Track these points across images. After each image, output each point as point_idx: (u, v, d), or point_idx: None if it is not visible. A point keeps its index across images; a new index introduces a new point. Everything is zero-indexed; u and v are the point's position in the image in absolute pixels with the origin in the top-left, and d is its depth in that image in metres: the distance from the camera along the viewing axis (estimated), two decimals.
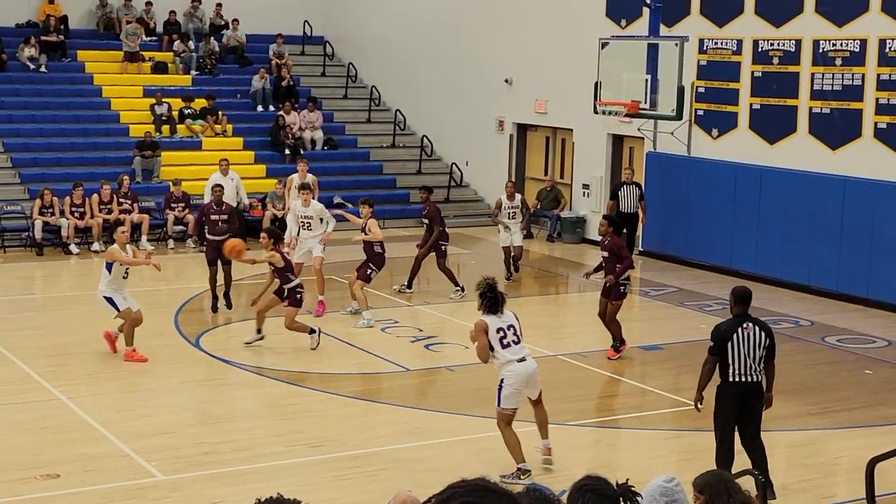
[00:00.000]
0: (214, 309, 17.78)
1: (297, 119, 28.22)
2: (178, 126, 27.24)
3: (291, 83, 29.63)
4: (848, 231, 19.33)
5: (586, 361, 15.44)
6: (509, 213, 20.29)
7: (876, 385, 14.68)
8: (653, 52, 18.63)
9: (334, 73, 31.79)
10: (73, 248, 22.38)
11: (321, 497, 10.54)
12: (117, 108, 27.59)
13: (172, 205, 23.61)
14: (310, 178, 22.37)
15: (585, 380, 14.89)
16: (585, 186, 24.89)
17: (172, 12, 30.48)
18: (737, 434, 10.32)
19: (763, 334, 10.11)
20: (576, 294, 21.28)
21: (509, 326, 10.94)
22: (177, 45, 29.78)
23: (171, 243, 23.34)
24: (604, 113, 19.99)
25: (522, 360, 10.90)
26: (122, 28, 29.77)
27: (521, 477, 10.64)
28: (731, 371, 10.06)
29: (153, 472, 10.91)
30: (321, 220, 18.22)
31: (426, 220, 19.38)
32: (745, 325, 10.07)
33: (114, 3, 30.22)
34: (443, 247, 19.18)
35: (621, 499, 4.70)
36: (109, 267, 14.88)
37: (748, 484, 8.60)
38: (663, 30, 20.27)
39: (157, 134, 26.62)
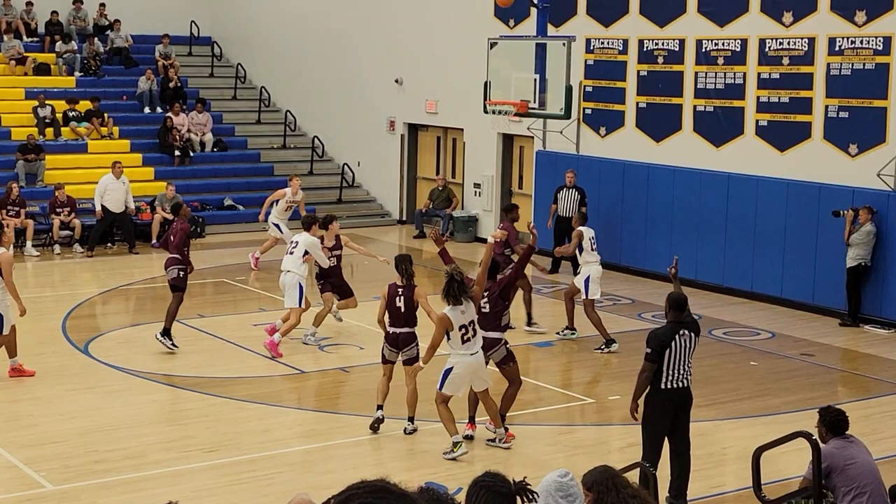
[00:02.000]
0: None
1: (185, 121, 27.89)
2: (63, 129, 26.72)
3: (179, 84, 29.28)
4: (732, 226, 19.78)
5: None
6: (591, 245, 16.45)
7: (761, 376, 15.05)
8: (541, 51, 18.80)
9: (223, 73, 31.50)
10: None
11: (217, 503, 10.46)
12: None
13: (58, 209, 23.15)
14: (300, 195, 21.62)
15: None
16: (477, 186, 25.04)
17: (55, 12, 29.89)
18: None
19: (695, 340, 10.09)
20: None
21: (470, 322, 11.47)
22: (59, 46, 29.21)
23: (57, 248, 22.89)
24: (494, 112, 20.11)
25: (474, 353, 11.53)
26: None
27: (455, 449, 11.41)
28: (664, 378, 9.91)
29: (42, 483, 10.70)
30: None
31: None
32: (681, 332, 9.97)
33: None
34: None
35: (517, 496, 4.75)
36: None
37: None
38: (551, 30, 20.48)
39: (41, 137, 26.07)
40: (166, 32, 30.39)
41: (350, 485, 2.96)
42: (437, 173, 26.52)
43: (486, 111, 20.13)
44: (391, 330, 12.19)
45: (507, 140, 24.66)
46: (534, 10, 20.41)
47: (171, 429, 12.53)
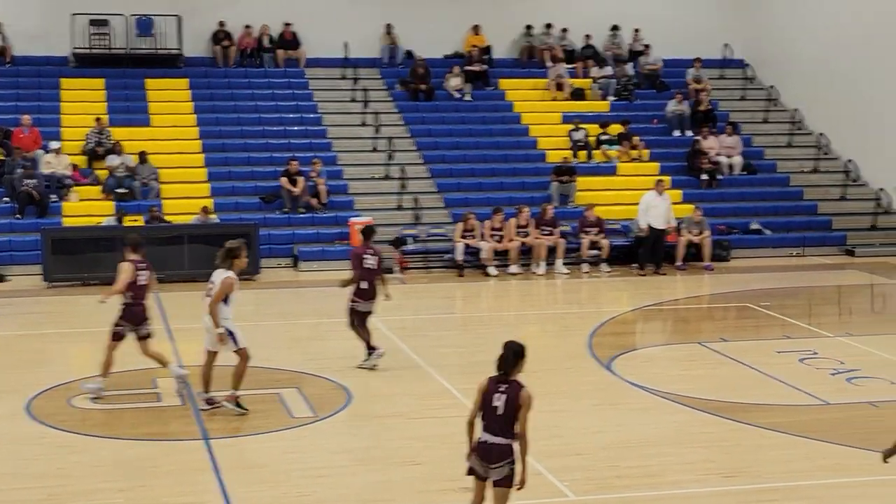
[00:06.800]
0: None
1: (715, 144, 27.85)
2: (594, 151, 27.60)
3: (710, 107, 29.27)
4: None
5: None
6: None
7: None
8: None
9: (754, 96, 31.17)
10: (492, 271, 23.13)
11: None
12: (535, 135, 28.36)
13: (586, 229, 23.91)
14: None
15: None
16: None
17: (588, 36, 31.03)
18: None
19: None
20: None
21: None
22: (594, 71, 30.23)
23: (585, 267, 23.63)
24: None
25: None
26: (541, 56, 30.63)
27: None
28: None
29: (565, 492, 11.00)
30: None
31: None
32: None
33: (536, 31, 31.12)
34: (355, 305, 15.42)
35: None
36: None
37: None
38: None
39: (574, 159, 27.08)
40: (698, 56, 30.52)
41: None
42: None
43: None
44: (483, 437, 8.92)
45: None
46: None
47: (690, 451, 12.44)
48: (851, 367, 15.77)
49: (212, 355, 13.32)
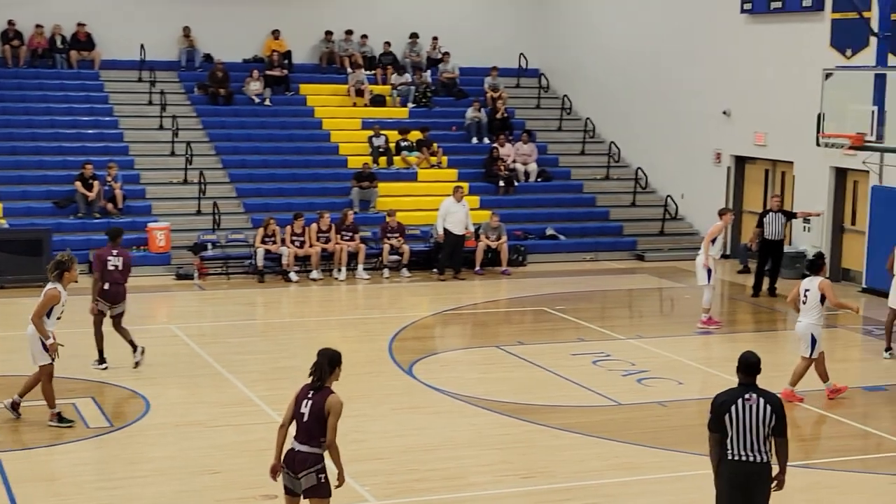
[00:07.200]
0: None
1: (511, 151, 28.40)
2: (395, 158, 27.79)
3: (506, 115, 29.85)
4: None
5: (805, 400, 14.95)
6: None
7: None
8: (880, 82, 18.04)
9: (549, 105, 31.88)
10: (293, 276, 23.03)
11: None
12: (336, 140, 28.37)
13: (388, 235, 24.06)
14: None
15: (804, 419, 14.42)
16: (806, 221, 24.16)
17: (387, 43, 31.21)
18: None
19: (769, 408, 8.85)
20: (794, 331, 20.60)
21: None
22: (394, 78, 30.45)
23: (386, 272, 23.77)
24: (827, 146, 19.44)
25: None
26: (341, 62, 30.66)
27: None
28: (730, 448, 8.90)
29: (366, 497, 11.08)
30: None
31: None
32: (746, 396, 8.88)
33: (336, 37, 31.13)
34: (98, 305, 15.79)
35: None
36: None
37: None
38: (892, 59, 19.60)
39: (375, 165, 27.22)
40: (495, 65, 31.08)
41: None
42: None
43: (818, 144, 19.50)
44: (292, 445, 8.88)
45: (840, 174, 23.68)
46: (873, 40, 19.62)
47: (488, 452, 12.69)
48: (642, 368, 16.34)
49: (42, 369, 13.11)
